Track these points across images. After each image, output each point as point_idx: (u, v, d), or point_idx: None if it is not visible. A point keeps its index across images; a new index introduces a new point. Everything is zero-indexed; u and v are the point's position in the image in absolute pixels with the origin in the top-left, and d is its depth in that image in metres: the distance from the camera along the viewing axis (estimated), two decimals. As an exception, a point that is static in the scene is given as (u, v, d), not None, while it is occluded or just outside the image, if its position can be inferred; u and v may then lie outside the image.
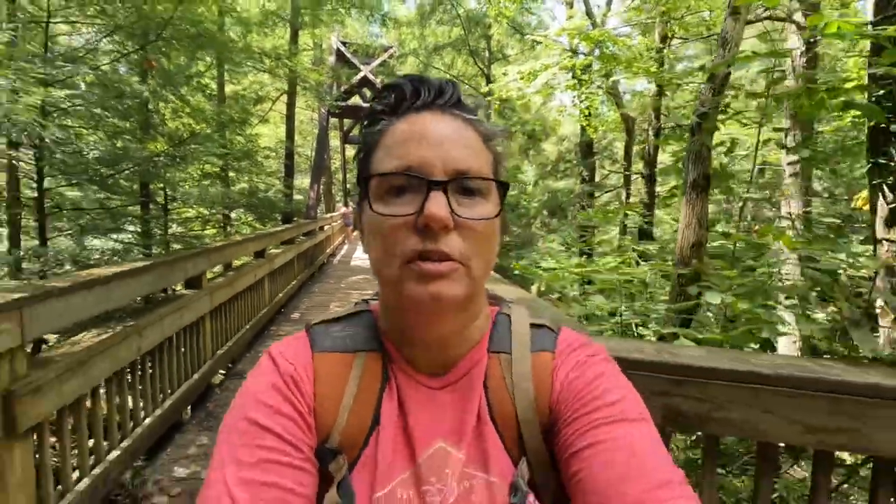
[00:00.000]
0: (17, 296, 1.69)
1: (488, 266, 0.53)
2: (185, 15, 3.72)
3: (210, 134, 6.99)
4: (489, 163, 0.54)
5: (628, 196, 10.22)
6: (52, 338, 4.40)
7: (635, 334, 1.85)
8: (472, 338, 0.57)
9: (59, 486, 1.99)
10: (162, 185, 6.13)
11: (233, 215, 10.41)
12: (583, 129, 9.20)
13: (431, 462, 0.53)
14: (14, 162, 4.00)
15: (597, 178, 11.19)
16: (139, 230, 5.80)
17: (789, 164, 4.24)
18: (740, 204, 1.78)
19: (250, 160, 9.13)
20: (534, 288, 2.58)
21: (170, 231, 7.36)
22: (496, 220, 0.52)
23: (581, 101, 7.82)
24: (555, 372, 0.56)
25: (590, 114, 8.42)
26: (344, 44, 15.08)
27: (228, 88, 10.25)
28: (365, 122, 0.57)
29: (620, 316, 1.88)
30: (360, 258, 12.94)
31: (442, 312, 0.50)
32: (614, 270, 2.13)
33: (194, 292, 3.46)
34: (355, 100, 17.02)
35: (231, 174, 9.16)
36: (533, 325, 0.61)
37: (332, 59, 14.87)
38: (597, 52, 6.04)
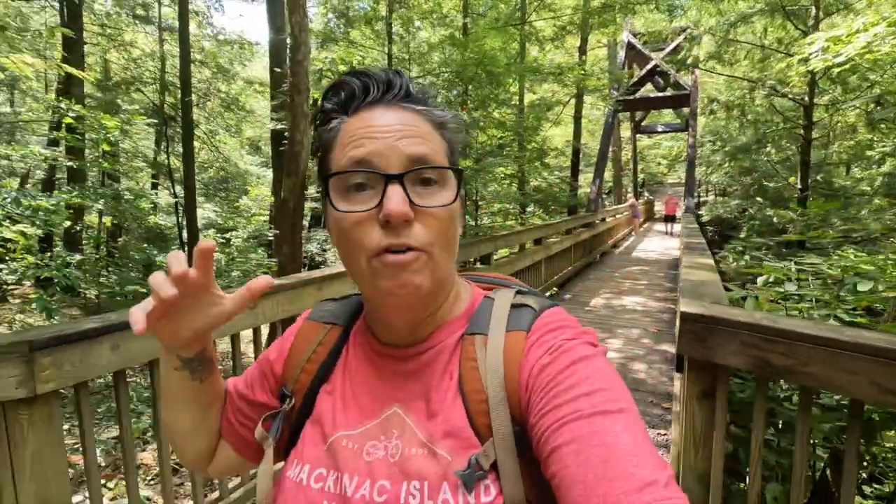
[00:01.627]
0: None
1: (451, 251, 0.55)
2: (489, 65, 5.10)
3: (510, 142, 8.61)
4: (444, 150, 0.56)
5: None
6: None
7: (820, 317, 1.91)
8: (443, 317, 0.60)
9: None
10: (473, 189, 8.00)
11: (529, 208, 12.16)
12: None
13: (384, 424, 0.57)
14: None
15: None
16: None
17: None
18: None
19: (541, 161, 10.54)
20: (760, 280, 2.72)
21: (479, 222, 9.43)
22: (455, 206, 0.54)
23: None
24: (526, 351, 0.54)
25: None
26: (634, 35, 14.97)
27: (527, 98, 11.94)
28: (318, 122, 0.59)
29: (785, 299, 1.98)
30: (644, 250, 12.86)
31: (412, 300, 0.54)
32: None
33: (485, 267, 4.80)
34: (648, 88, 16.63)
35: (527, 174, 10.79)
36: (514, 306, 0.60)
37: (622, 53, 15.01)
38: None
